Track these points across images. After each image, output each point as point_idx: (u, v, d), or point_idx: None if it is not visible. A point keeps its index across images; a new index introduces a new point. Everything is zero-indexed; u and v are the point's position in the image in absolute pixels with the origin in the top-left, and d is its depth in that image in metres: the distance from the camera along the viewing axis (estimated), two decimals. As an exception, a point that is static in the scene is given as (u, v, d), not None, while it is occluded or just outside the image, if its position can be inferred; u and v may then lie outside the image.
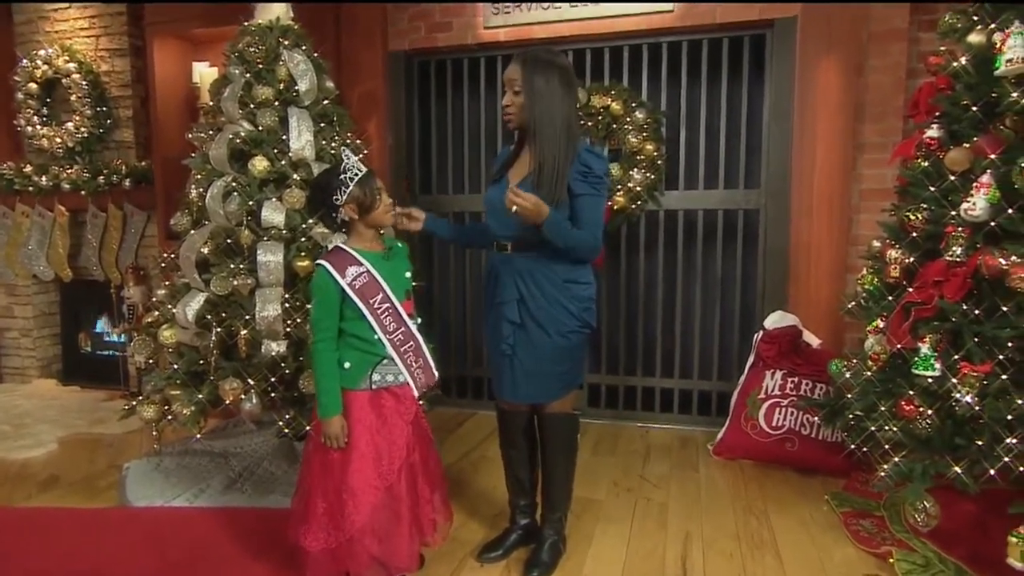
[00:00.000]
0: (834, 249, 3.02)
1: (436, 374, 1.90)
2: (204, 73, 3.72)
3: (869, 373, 2.18)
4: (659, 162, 3.28)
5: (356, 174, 1.70)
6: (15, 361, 4.40)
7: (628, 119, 3.26)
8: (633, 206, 3.29)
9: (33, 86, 4.04)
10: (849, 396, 2.22)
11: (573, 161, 1.82)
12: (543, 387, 1.92)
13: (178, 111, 3.77)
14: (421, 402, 2.75)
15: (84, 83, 3.93)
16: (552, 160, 1.79)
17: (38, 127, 4.08)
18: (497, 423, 2.09)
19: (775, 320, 3.02)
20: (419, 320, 1.87)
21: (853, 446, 2.21)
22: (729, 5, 3.06)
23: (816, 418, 2.72)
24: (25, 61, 4.05)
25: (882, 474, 2.01)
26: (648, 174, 3.27)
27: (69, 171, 4.00)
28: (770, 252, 3.16)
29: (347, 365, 1.74)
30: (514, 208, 1.69)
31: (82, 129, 3.97)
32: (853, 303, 2.34)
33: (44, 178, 4.02)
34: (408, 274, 1.84)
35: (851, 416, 2.23)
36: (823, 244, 3.03)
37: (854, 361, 2.34)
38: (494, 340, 1.94)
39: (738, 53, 3.20)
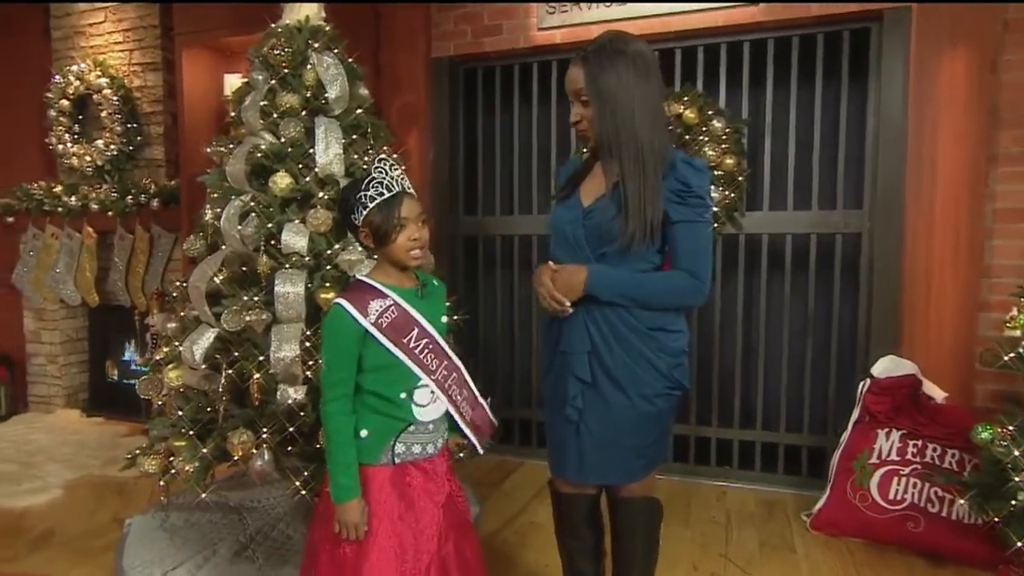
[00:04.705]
0: (961, 282, 2.49)
1: (493, 419, 1.54)
2: (236, 85, 3.46)
3: (1044, 449, 1.67)
4: (740, 178, 2.83)
5: (380, 194, 1.32)
6: (41, 389, 4.20)
7: (704, 129, 2.82)
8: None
9: (65, 103, 3.88)
10: (1018, 479, 1.70)
11: (666, 176, 1.40)
12: (619, 464, 1.47)
13: (208, 126, 3.52)
14: (461, 455, 2.37)
15: (115, 99, 3.74)
16: (637, 184, 1.38)
17: (69, 145, 3.91)
18: (552, 507, 1.64)
19: (886, 367, 2.50)
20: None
21: (1021, 543, 1.70)
22: (827, -5, 2.61)
23: (948, 493, 2.19)
24: (58, 77, 3.90)
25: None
26: (727, 192, 2.82)
27: (98, 191, 3.80)
28: (877, 284, 2.65)
29: (364, 433, 1.35)
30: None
31: (112, 147, 3.78)
32: (1012, 355, 1.83)
33: (73, 198, 3.84)
34: (443, 319, 1.44)
35: (1014, 503, 1.72)
36: (946, 275, 2.51)
37: (1010, 429, 1.83)
38: (555, 401, 1.51)
39: (836, 51, 2.74)
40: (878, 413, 2.45)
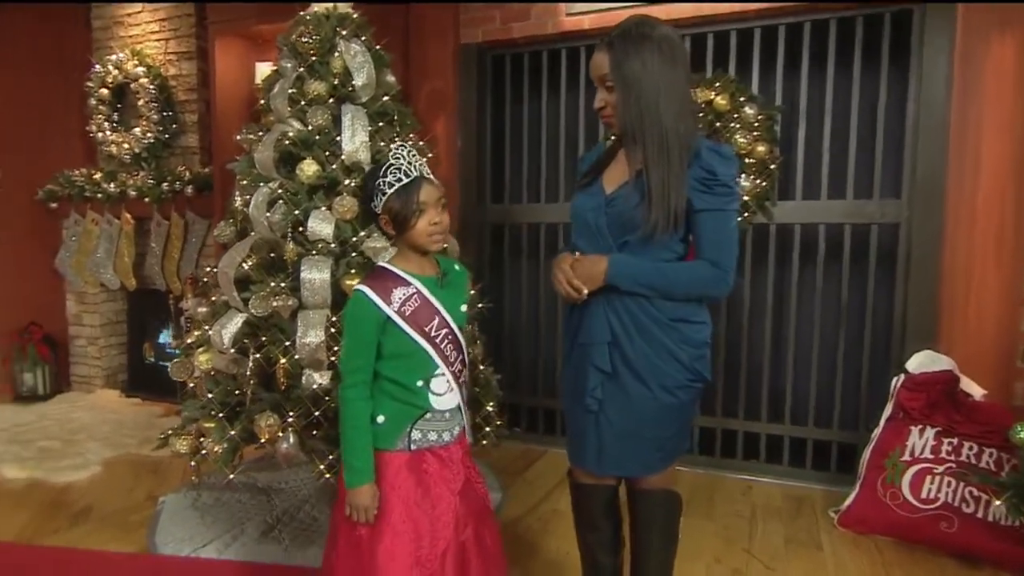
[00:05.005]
0: (1004, 275, 2.40)
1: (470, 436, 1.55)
2: (266, 73, 3.50)
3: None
4: (772, 167, 2.76)
5: (398, 180, 1.32)
6: (82, 370, 4.35)
7: (736, 116, 2.75)
8: (739, 219, 2.77)
9: (104, 91, 3.98)
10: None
11: (691, 164, 1.37)
12: (638, 456, 1.46)
13: (240, 114, 3.56)
14: (485, 442, 2.38)
15: (151, 87, 3.83)
16: (662, 171, 1.34)
17: (108, 133, 4.01)
18: (571, 499, 1.64)
19: (922, 363, 2.42)
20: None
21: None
22: (867, -24, 2.52)
23: (984, 494, 2.12)
24: (98, 67, 4.00)
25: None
26: (759, 181, 2.75)
27: (135, 177, 3.90)
28: (914, 276, 2.57)
29: (380, 419, 1.37)
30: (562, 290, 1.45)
31: (148, 135, 3.87)
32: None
33: (112, 185, 3.94)
34: (464, 308, 1.44)
35: (1055, 505, 1.66)
36: (989, 268, 2.42)
37: (1052, 428, 1.76)
38: (575, 392, 1.50)
39: (876, 34, 2.64)
40: (912, 409, 2.38)
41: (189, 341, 2.43)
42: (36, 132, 4.24)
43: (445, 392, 1.39)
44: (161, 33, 3.94)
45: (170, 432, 2.34)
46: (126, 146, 3.93)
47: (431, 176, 1.37)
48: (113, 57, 3.94)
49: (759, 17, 2.76)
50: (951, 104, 2.44)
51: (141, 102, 3.85)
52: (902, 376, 2.46)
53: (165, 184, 3.79)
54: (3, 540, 2.30)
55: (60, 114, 4.28)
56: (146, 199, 3.84)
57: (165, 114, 3.87)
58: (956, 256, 2.46)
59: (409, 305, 1.36)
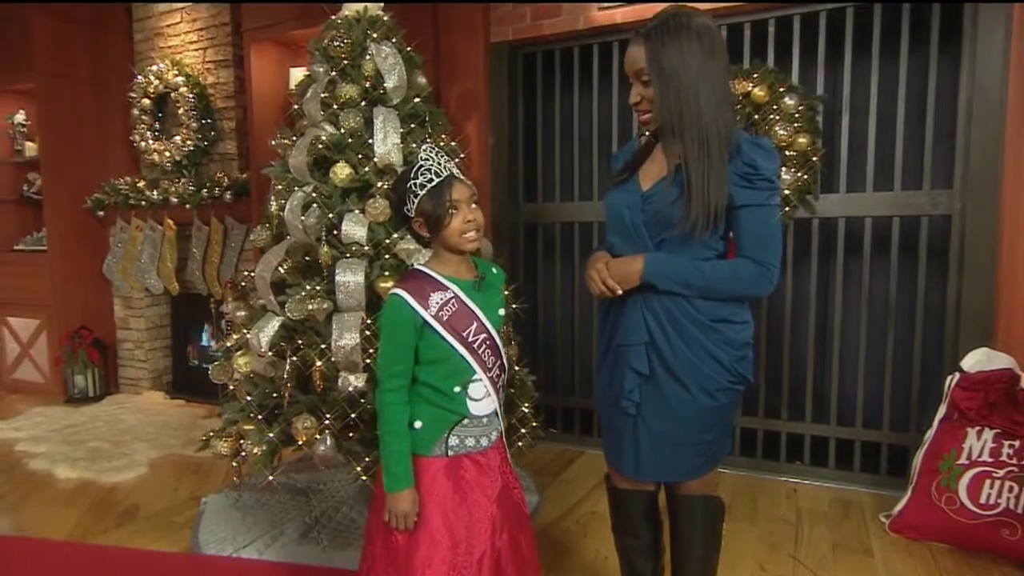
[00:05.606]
0: (1067, 268, 2.26)
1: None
2: (300, 78, 3.54)
3: None
4: (814, 159, 2.66)
5: (429, 180, 1.30)
6: (130, 372, 4.48)
7: (775, 107, 2.67)
8: (779, 214, 2.69)
9: (146, 101, 4.08)
10: None
11: (731, 158, 1.32)
12: (677, 461, 1.42)
13: (275, 120, 3.61)
14: (520, 444, 2.36)
15: (191, 96, 3.91)
16: (701, 167, 1.30)
17: (150, 142, 4.12)
18: (609, 503, 1.60)
19: (978, 361, 2.30)
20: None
21: None
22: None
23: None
24: (139, 77, 4.10)
25: None
26: (800, 174, 2.66)
27: (177, 184, 4.00)
28: (968, 271, 2.45)
29: (418, 424, 1.35)
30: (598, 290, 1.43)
31: (188, 142, 3.95)
32: None
33: (155, 192, 4.05)
34: (501, 311, 1.42)
35: None
36: (1050, 261, 2.28)
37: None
38: (611, 394, 1.46)
39: (924, 17, 2.52)
40: (968, 410, 2.26)
41: (228, 344, 2.47)
42: (83, 143, 4.38)
43: (482, 397, 1.37)
44: (199, 42, 4.02)
45: (211, 434, 2.38)
46: (167, 154, 4.03)
47: (461, 176, 1.35)
48: (154, 67, 4.04)
49: (796, 4, 2.66)
50: (1007, 88, 2.31)
51: (181, 110, 3.94)
52: (957, 375, 2.34)
53: (205, 190, 3.87)
54: (55, 539, 2.37)
55: (105, 125, 4.41)
56: (187, 205, 3.93)
57: (204, 122, 3.95)
58: (1015, 248, 2.33)
59: (447, 310, 1.34)
